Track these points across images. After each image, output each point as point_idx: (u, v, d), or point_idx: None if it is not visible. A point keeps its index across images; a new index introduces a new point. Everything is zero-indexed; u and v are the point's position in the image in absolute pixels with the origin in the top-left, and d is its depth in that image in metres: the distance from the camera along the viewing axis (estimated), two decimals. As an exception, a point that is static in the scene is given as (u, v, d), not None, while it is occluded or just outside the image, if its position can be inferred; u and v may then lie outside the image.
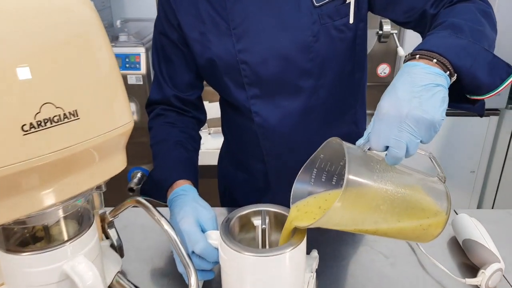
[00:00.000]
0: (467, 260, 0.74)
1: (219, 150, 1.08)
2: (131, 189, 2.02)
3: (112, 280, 0.67)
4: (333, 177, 0.63)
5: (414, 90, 0.53)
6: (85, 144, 0.49)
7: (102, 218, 0.72)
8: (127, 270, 0.76)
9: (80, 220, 0.60)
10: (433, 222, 0.57)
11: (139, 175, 2.12)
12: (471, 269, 0.72)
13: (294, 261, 0.57)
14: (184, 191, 0.71)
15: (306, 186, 0.62)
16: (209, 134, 1.87)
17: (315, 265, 0.67)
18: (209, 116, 0.99)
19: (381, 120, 0.53)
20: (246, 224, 0.64)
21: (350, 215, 0.54)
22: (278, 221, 0.63)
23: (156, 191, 0.77)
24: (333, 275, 0.73)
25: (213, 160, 1.12)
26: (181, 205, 0.68)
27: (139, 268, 0.76)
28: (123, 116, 0.54)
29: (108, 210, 0.71)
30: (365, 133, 0.56)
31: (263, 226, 0.59)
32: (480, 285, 0.68)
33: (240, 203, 0.98)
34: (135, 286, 0.66)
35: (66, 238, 0.56)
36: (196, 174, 0.79)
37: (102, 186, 0.59)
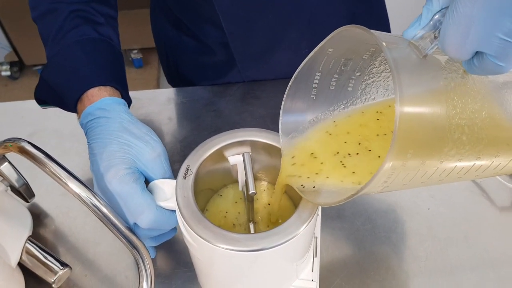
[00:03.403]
0: None
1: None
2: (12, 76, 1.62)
3: (22, 253, 0.44)
4: (349, 81, 0.37)
5: None
6: None
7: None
8: (44, 219, 0.52)
9: None
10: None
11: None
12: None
13: (304, 239, 0.35)
14: (103, 111, 0.42)
15: (304, 106, 0.37)
16: None
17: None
18: None
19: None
20: (218, 159, 0.40)
21: (414, 166, 0.29)
22: (270, 153, 0.39)
23: (58, 103, 0.48)
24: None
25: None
26: (103, 141, 0.40)
27: (61, 211, 0.53)
28: None
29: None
30: (425, 16, 0.28)
31: (251, 192, 0.35)
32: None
33: (194, 82, 0.72)
34: (55, 258, 0.44)
35: None
36: (120, 70, 0.48)
37: None
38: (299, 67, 0.34)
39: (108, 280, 0.47)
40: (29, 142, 0.39)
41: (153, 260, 0.46)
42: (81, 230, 0.51)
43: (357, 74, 0.37)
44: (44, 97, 0.50)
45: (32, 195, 0.51)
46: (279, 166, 0.38)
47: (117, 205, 0.38)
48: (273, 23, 0.62)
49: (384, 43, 0.26)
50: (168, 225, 0.39)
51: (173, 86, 0.78)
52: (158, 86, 1.76)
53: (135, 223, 0.39)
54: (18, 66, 1.77)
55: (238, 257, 0.32)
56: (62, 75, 0.46)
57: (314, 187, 0.33)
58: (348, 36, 0.31)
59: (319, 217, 0.43)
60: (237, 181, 0.42)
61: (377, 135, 0.35)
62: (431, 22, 0.29)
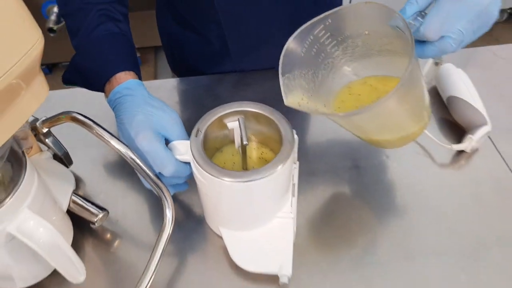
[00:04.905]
0: (450, 116, 0.70)
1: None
2: (51, 30, 1.74)
3: (69, 203, 0.58)
4: (326, 54, 0.51)
5: None
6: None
7: (34, 128, 0.58)
8: (79, 176, 0.66)
9: (10, 163, 0.46)
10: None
11: (55, 9, 1.81)
12: (455, 129, 0.69)
13: (283, 177, 0.49)
14: (129, 90, 0.55)
15: (294, 57, 0.50)
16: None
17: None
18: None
19: (456, 2, 0.45)
20: (219, 125, 0.53)
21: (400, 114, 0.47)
22: (256, 120, 0.53)
23: (86, 84, 0.60)
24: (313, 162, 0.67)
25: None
26: (131, 113, 0.53)
27: (96, 174, 0.66)
28: (32, 33, 0.38)
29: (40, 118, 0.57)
30: (409, 8, 0.48)
31: (245, 143, 0.49)
32: (466, 149, 0.65)
33: (195, 72, 0.85)
34: (95, 205, 0.58)
35: (1, 194, 0.44)
36: (136, 59, 0.61)
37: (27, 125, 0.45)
38: (301, 27, 0.49)
39: (135, 224, 0.60)
40: (78, 113, 0.53)
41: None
42: (111, 188, 0.64)
43: (332, 56, 0.52)
44: (73, 79, 0.61)
45: (70, 162, 0.64)
46: (266, 130, 0.52)
47: (146, 161, 0.51)
48: (263, 19, 0.75)
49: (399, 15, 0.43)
50: (183, 173, 0.52)
51: (177, 75, 0.91)
52: (155, 82, 1.90)
53: (160, 173, 0.52)
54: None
55: (235, 186, 0.46)
56: (92, 62, 0.58)
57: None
58: (348, 11, 0.47)
59: (296, 170, 0.57)
60: (233, 142, 0.55)
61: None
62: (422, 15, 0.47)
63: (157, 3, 0.86)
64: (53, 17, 1.76)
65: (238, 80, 0.80)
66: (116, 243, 0.58)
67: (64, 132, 0.62)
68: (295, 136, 0.51)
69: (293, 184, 0.55)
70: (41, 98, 0.44)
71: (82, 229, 0.59)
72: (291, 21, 0.76)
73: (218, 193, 0.49)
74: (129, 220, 0.60)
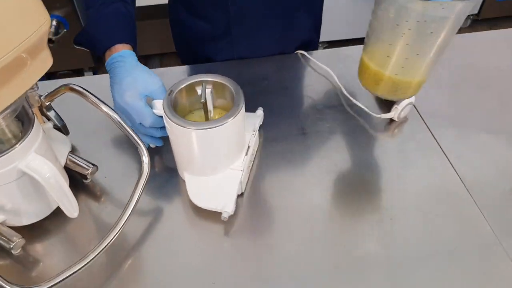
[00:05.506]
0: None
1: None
2: (50, 40, 1.89)
3: (66, 161, 0.71)
4: None
5: None
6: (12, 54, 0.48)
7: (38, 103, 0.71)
8: (76, 145, 0.79)
9: (22, 118, 0.60)
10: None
11: (54, 23, 1.97)
12: (390, 104, 0.83)
13: (233, 129, 0.63)
14: (122, 57, 0.70)
15: None
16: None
17: (258, 123, 0.74)
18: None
19: None
20: (191, 90, 0.67)
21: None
22: (219, 89, 0.68)
23: (91, 47, 0.75)
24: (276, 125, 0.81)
25: None
26: (122, 75, 0.67)
27: (88, 141, 0.80)
28: (41, 16, 0.51)
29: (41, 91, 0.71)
30: None
31: (202, 101, 0.63)
32: (393, 117, 0.79)
33: (199, 55, 1.01)
34: (87, 161, 0.71)
35: (14, 140, 0.57)
36: (135, 33, 0.77)
37: (34, 86, 0.58)
38: None
39: (120, 179, 0.73)
40: (75, 85, 0.66)
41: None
42: (98, 152, 0.77)
43: None
44: (82, 41, 0.77)
45: (67, 132, 0.78)
46: (226, 95, 0.66)
47: (131, 114, 0.66)
48: (261, 9, 0.92)
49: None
50: (159, 124, 0.67)
51: (185, 63, 1.08)
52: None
53: (140, 123, 0.67)
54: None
55: (195, 133, 0.60)
56: (99, 32, 0.73)
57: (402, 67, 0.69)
58: None
59: (255, 138, 0.71)
60: (201, 108, 0.69)
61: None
62: None
63: None
64: (51, 29, 1.92)
65: (237, 65, 0.96)
66: (104, 195, 0.71)
67: (63, 109, 0.75)
68: (260, 112, 0.66)
69: (249, 147, 0.69)
70: (46, 68, 0.57)
71: (76, 186, 0.72)
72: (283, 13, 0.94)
73: (181, 139, 0.63)
74: (115, 176, 0.74)
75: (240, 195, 0.69)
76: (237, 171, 0.67)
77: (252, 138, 0.71)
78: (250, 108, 0.75)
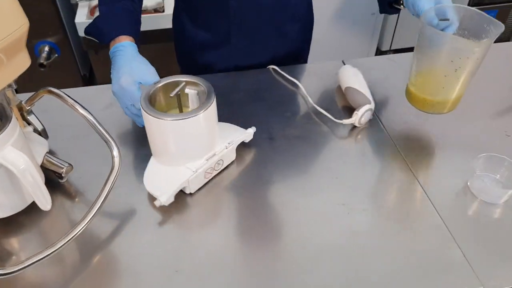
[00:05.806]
0: (349, 104, 0.90)
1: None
2: (42, 65, 1.96)
3: (43, 160, 0.75)
4: None
5: None
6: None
7: (20, 108, 0.76)
8: (56, 149, 0.83)
9: (0, 116, 0.64)
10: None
11: (46, 49, 2.04)
12: (351, 112, 0.88)
13: (192, 128, 0.69)
14: (123, 47, 0.79)
15: None
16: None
17: (240, 138, 0.79)
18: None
19: None
20: (168, 89, 0.74)
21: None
22: (196, 87, 0.74)
23: (98, 38, 0.84)
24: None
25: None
26: (121, 63, 0.77)
27: (66, 145, 0.84)
28: (18, 19, 0.57)
29: (24, 99, 0.75)
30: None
31: (171, 95, 0.72)
32: (354, 123, 0.84)
33: (198, 62, 1.08)
34: (63, 161, 0.75)
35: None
36: (138, 28, 0.86)
37: (12, 84, 0.63)
38: None
39: (94, 179, 0.76)
40: (53, 88, 0.71)
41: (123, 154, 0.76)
42: (75, 155, 0.81)
43: None
44: (91, 31, 0.86)
45: (47, 136, 0.82)
46: (199, 92, 0.72)
47: (124, 96, 0.75)
48: (259, 20, 1.00)
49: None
50: None
51: (183, 72, 1.16)
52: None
53: (132, 105, 0.75)
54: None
55: (170, 124, 0.66)
56: (108, 25, 0.83)
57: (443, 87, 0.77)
58: None
59: (231, 149, 0.76)
60: (177, 108, 0.76)
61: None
62: None
63: (176, 9, 1.10)
64: (44, 55, 1.99)
65: (233, 75, 1.02)
66: (78, 194, 0.75)
67: (44, 115, 0.80)
68: (250, 130, 0.78)
69: (214, 154, 0.74)
70: (23, 68, 0.62)
71: (52, 185, 0.76)
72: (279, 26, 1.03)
73: (152, 128, 0.70)
74: (90, 177, 0.77)
75: (191, 194, 0.74)
76: (189, 171, 0.72)
77: (223, 149, 0.75)
78: (232, 120, 0.82)
